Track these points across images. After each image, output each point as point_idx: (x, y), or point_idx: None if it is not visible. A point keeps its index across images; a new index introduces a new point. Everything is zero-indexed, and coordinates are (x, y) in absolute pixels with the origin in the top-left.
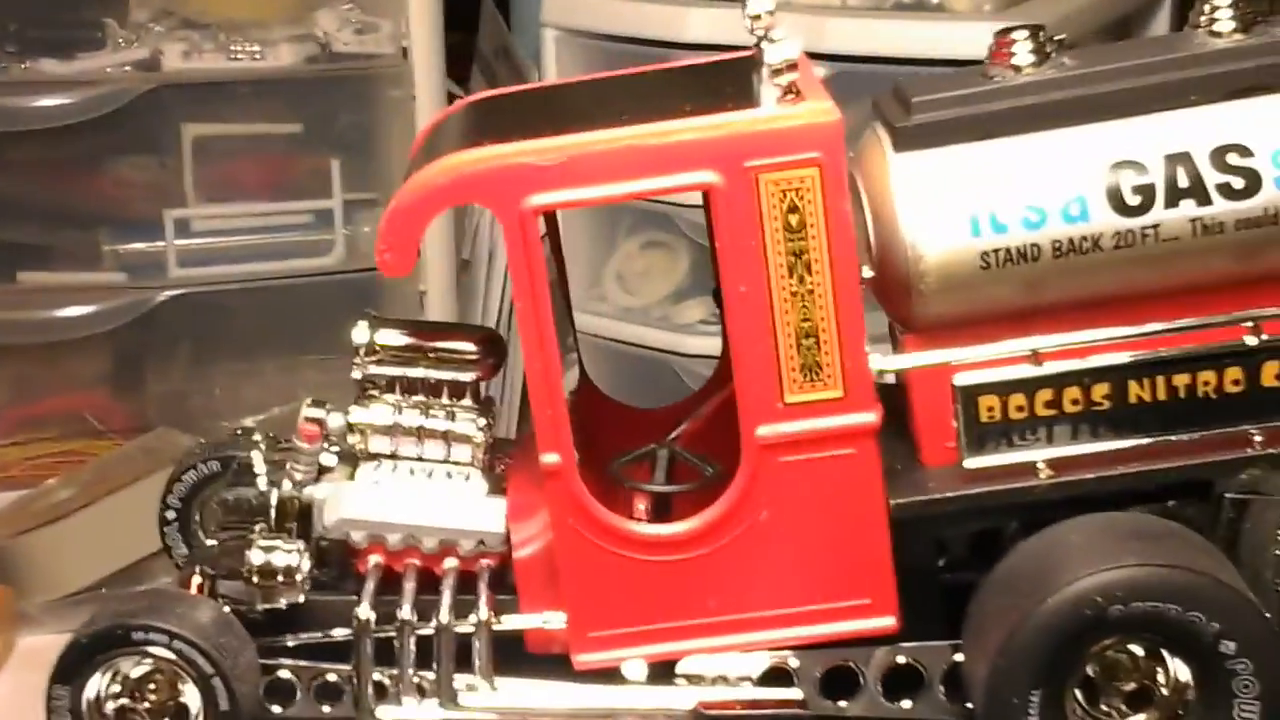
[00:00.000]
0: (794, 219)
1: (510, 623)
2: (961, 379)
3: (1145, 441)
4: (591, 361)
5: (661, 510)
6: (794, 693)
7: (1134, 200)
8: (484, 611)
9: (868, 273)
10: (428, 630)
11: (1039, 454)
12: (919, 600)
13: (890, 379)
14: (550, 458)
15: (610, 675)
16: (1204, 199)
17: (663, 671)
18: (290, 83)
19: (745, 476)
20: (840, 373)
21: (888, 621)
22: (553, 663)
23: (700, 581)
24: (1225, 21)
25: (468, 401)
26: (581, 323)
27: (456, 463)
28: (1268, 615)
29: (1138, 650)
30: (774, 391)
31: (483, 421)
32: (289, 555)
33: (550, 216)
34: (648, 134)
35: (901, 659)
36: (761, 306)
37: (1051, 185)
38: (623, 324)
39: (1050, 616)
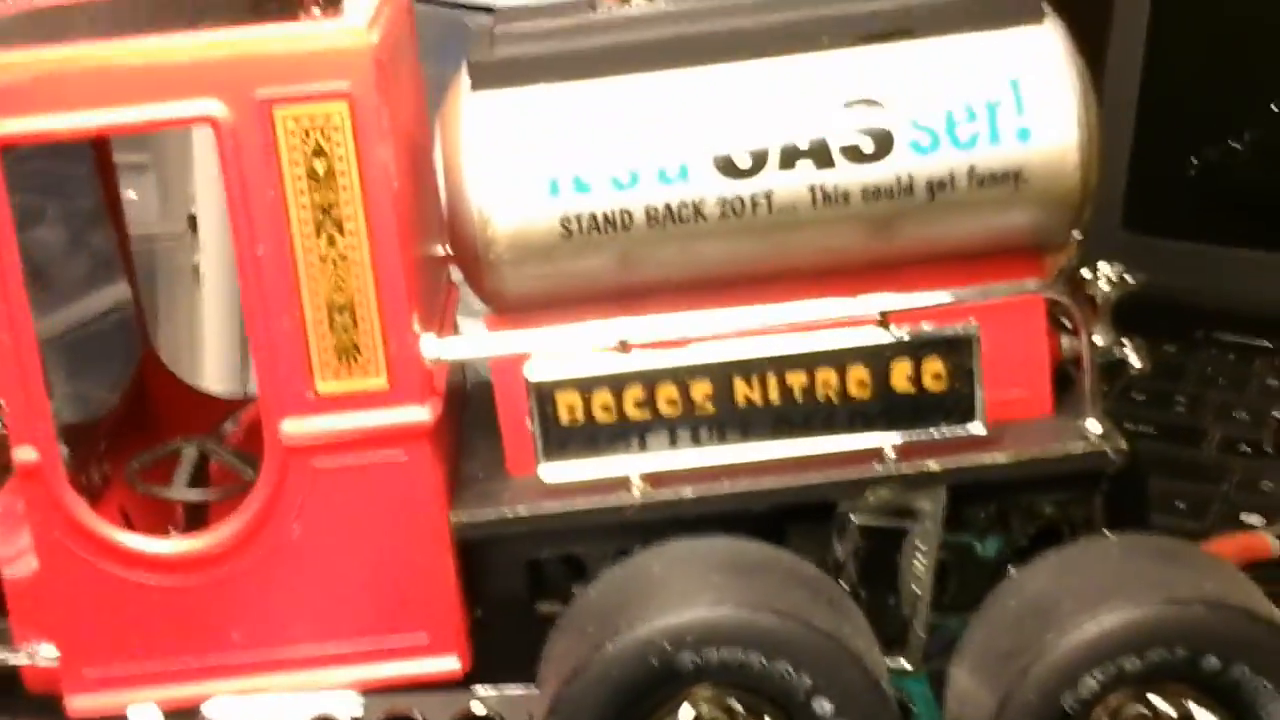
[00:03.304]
0: (320, 165)
1: None
2: (535, 371)
3: (757, 453)
4: None
5: (199, 523)
6: None
7: (744, 162)
8: None
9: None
10: None
11: (632, 465)
12: (504, 638)
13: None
14: (25, 453)
15: None
16: (825, 161)
17: (186, 712)
18: None
19: (270, 482)
20: (384, 357)
21: (450, 663)
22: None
23: (221, 610)
24: None
25: None
26: None
27: None
28: (869, 666)
29: (738, 707)
30: (302, 378)
31: None
32: None
33: (102, 150)
34: (135, 51)
35: (478, 709)
36: (284, 273)
37: (647, 139)
38: None
39: (609, 666)
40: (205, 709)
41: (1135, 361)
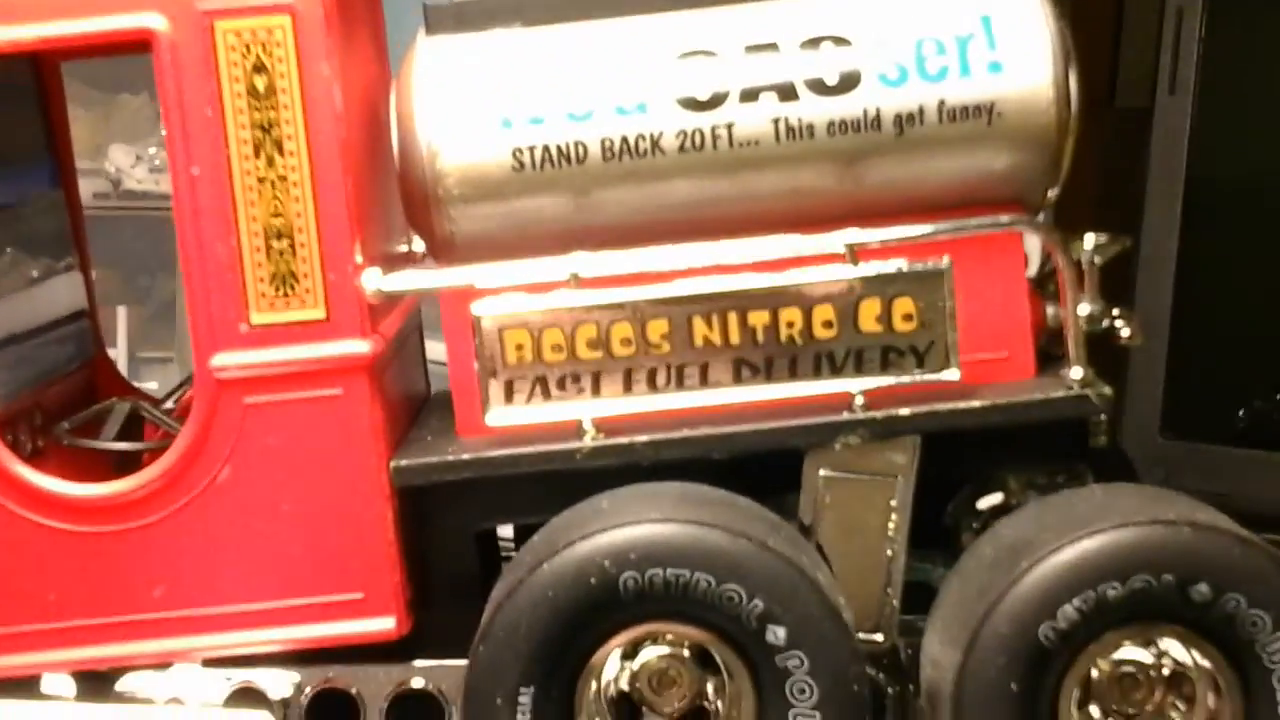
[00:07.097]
0: (260, 81)
1: None
2: (482, 308)
3: (716, 398)
4: None
5: None
6: None
7: (703, 93)
8: None
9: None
10: None
11: (584, 410)
12: (451, 603)
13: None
14: None
15: (27, 687)
16: (789, 94)
17: (101, 686)
18: None
19: (198, 421)
20: (322, 287)
21: (386, 623)
22: None
23: (141, 564)
24: None
25: None
26: None
27: None
28: (828, 594)
29: (684, 651)
30: (236, 309)
31: None
32: None
33: (47, 84)
34: None
35: (417, 681)
36: (219, 195)
37: (604, 77)
38: None
39: (542, 587)
40: (121, 684)
41: (1125, 330)
